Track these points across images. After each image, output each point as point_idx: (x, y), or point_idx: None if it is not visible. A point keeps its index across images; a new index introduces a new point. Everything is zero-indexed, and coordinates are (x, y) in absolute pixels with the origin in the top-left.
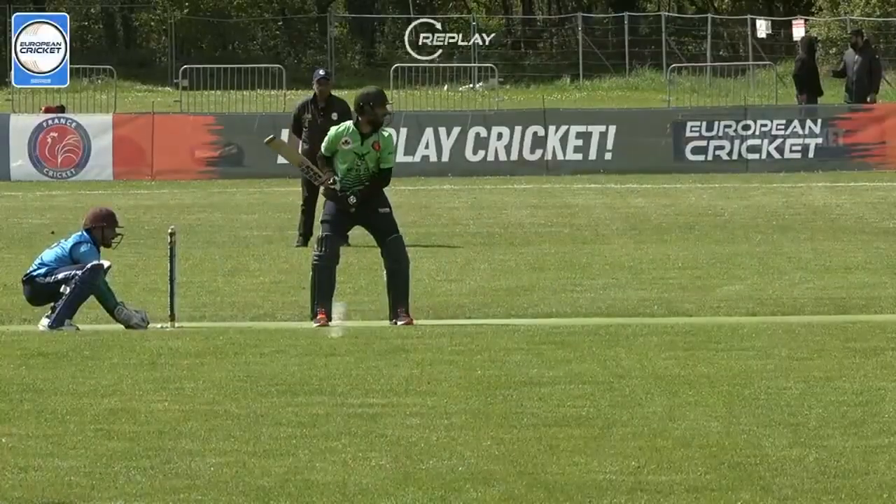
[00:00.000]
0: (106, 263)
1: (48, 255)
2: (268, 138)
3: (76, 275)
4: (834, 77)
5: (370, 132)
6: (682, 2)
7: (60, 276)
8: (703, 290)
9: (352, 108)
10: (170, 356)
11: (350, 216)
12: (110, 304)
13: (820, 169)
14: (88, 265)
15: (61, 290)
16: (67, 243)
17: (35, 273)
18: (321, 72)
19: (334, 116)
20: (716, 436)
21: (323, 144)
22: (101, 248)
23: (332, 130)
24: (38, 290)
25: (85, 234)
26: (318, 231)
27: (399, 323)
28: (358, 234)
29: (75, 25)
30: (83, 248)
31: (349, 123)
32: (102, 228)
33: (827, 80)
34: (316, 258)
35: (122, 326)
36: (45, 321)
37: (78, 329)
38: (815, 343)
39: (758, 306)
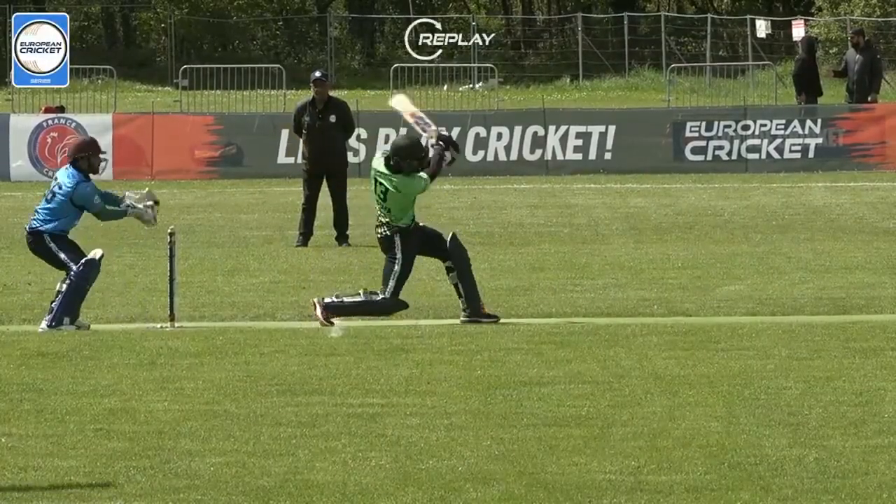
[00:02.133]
0: (98, 253)
1: (49, 205)
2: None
3: (72, 271)
4: (835, 77)
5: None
6: (682, 2)
7: (62, 256)
8: (703, 290)
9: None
10: (169, 356)
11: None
12: (120, 212)
13: (820, 169)
14: (82, 261)
15: (58, 287)
16: (64, 190)
17: (42, 228)
18: (318, 73)
19: (332, 119)
20: (716, 436)
21: (426, 186)
22: (92, 178)
23: (417, 182)
24: (41, 250)
25: (73, 170)
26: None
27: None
28: (358, 233)
29: (75, 25)
30: (81, 190)
31: (408, 175)
32: (88, 157)
33: (827, 81)
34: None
35: (121, 326)
36: (44, 323)
37: (78, 329)
38: (815, 343)
39: (758, 306)
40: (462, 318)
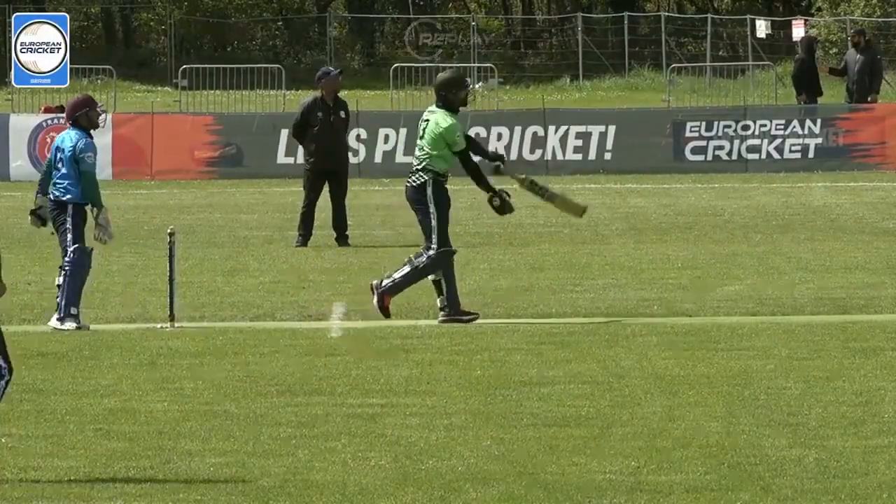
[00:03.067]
0: (89, 248)
1: (62, 171)
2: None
3: (65, 261)
4: (830, 74)
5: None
6: (682, 2)
7: (69, 236)
8: (703, 290)
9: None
10: (169, 356)
11: None
12: (97, 194)
13: (820, 169)
14: (72, 249)
15: (57, 282)
16: (67, 150)
17: (65, 198)
18: (331, 69)
19: (342, 115)
20: (716, 436)
21: (458, 141)
22: (93, 134)
23: (453, 125)
24: (61, 220)
25: (74, 130)
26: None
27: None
28: (358, 234)
29: (75, 25)
30: (82, 144)
31: (454, 117)
32: (87, 113)
33: (827, 81)
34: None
35: (121, 326)
36: (54, 320)
37: (78, 329)
38: (815, 343)
39: (758, 306)
40: (441, 318)
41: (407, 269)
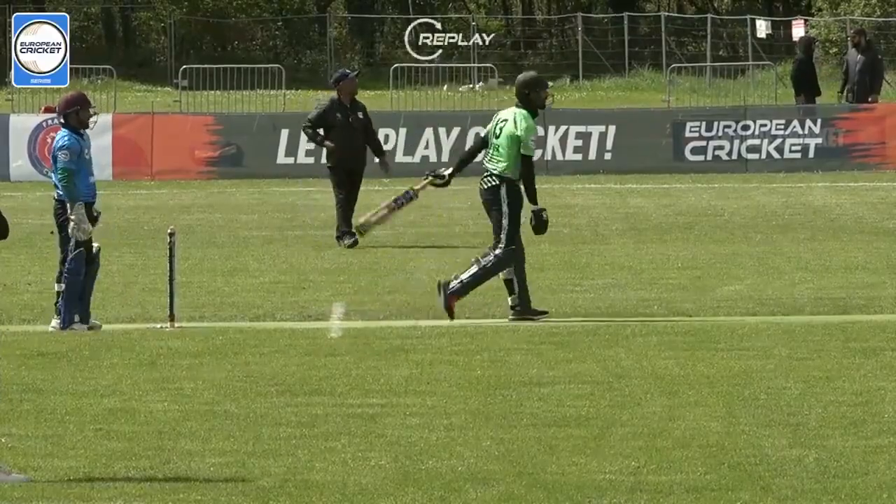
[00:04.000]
0: (95, 245)
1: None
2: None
3: (64, 269)
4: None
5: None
6: (682, 2)
7: (73, 243)
8: (703, 290)
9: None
10: (169, 356)
11: None
12: (71, 193)
13: (820, 169)
14: (71, 257)
15: (56, 288)
16: (54, 150)
17: (61, 198)
18: (348, 70)
19: (360, 115)
20: (716, 436)
21: (530, 141)
22: (83, 132)
23: (529, 123)
24: (65, 221)
25: (63, 129)
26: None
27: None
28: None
29: (75, 25)
30: (60, 140)
31: (533, 119)
32: (77, 112)
33: (826, 81)
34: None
35: (121, 326)
36: (54, 322)
37: (90, 329)
38: (815, 343)
39: (758, 306)
40: (511, 316)
41: (474, 269)
